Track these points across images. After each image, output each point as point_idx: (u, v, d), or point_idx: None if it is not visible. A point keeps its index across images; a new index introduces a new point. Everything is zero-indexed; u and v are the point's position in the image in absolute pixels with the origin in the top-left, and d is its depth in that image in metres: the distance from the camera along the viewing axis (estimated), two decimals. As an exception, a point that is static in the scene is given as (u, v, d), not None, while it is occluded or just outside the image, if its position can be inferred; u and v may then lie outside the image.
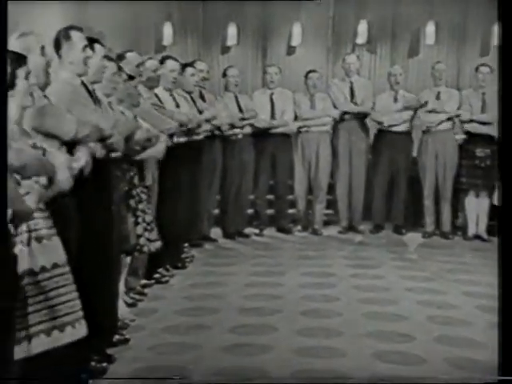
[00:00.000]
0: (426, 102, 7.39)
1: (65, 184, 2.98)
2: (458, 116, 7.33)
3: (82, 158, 3.21)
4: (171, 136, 5.31)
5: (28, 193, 2.74)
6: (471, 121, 7.22)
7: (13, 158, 2.45)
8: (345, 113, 7.59)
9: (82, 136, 3.25)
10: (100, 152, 3.52)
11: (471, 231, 7.37)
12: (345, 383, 3.64)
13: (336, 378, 3.68)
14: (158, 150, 4.72)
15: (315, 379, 3.70)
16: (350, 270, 6.04)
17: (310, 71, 7.76)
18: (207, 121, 6.37)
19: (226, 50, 9.69)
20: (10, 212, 2.55)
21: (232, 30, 9.47)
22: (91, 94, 3.71)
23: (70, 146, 3.24)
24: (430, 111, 7.37)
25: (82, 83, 3.66)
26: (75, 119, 3.26)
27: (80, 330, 3.00)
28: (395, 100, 7.55)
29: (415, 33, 9.64)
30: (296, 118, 7.63)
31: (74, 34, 3.57)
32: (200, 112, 6.35)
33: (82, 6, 8.19)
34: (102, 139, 3.50)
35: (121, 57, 4.88)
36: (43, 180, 2.82)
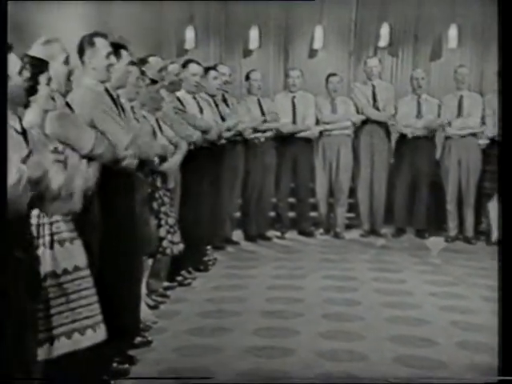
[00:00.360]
0: (450, 123, 7.35)
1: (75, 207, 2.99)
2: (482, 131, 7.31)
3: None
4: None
5: None
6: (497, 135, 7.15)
7: (30, 169, 2.45)
8: (367, 119, 7.59)
9: (96, 154, 3.24)
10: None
11: (495, 236, 7.30)
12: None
13: (356, 379, 3.68)
14: (173, 163, 4.76)
15: (336, 380, 3.70)
16: (371, 274, 6.03)
17: (330, 75, 7.76)
18: (229, 130, 6.38)
19: (248, 53, 9.72)
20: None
21: (254, 33, 9.51)
22: (115, 100, 3.70)
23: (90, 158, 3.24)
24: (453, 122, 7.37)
25: (106, 90, 3.65)
26: (94, 135, 3.26)
27: (99, 334, 3.03)
28: (418, 104, 7.52)
29: (438, 36, 9.61)
30: (317, 122, 7.62)
31: (98, 41, 3.56)
32: (222, 118, 6.36)
33: (103, 9, 8.24)
34: (116, 160, 3.49)
35: (143, 61, 4.91)
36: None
